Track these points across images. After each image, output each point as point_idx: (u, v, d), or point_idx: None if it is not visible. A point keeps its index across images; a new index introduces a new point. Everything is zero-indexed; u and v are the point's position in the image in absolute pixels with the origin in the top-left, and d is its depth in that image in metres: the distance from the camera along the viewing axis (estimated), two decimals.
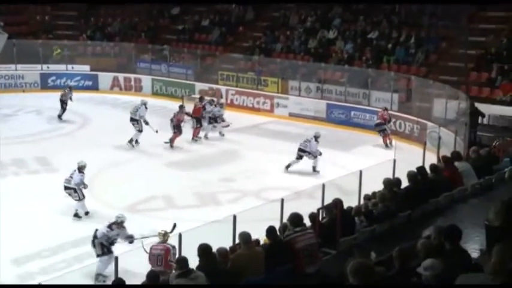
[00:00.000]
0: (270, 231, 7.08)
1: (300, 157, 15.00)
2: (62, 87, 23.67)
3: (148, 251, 8.95)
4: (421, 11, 22.00)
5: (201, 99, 18.68)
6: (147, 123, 17.12)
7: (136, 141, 17.14)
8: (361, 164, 11.73)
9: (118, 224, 9.94)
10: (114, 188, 13.56)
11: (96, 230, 9.92)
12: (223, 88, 22.02)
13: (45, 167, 15.19)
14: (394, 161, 11.06)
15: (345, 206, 8.42)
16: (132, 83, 23.74)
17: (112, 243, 9.83)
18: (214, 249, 6.72)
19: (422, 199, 8.78)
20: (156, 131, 16.82)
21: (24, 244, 10.71)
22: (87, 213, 12.29)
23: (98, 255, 9.74)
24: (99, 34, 26.45)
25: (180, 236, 7.91)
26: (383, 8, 22.90)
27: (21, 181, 14.27)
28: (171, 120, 17.02)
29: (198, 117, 17.77)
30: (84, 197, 12.32)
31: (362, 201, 9.64)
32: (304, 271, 6.84)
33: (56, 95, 22.53)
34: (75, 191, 12.35)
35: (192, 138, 17.49)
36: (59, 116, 19.72)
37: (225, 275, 6.52)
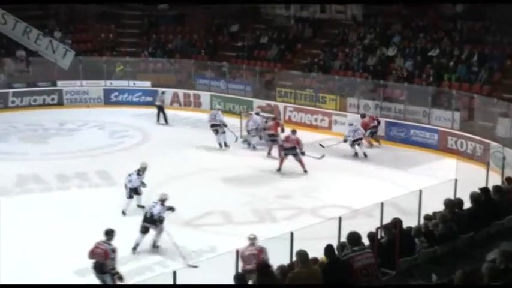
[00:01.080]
0: (328, 249, 7.02)
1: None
2: (124, 103, 24.41)
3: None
4: (485, 27, 21.51)
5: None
6: (225, 125, 18.46)
7: (225, 144, 18.29)
8: (421, 184, 11.52)
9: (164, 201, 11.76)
10: (172, 202, 13.72)
11: (151, 210, 11.54)
12: (281, 105, 22.08)
13: (106, 180, 15.57)
14: (456, 181, 10.80)
15: (404, 226, 8.28)
16: (192, 99, 24.09)
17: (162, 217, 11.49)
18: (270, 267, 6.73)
19: (485, 221, 8.52)
20: (236, 139, 17.93)
21: (85, 256, 10.93)
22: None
23: (155, 228, 11.46)
24: (160, 51, 27.02)
25: (237, 252, 7.93)
26: (444, 25, 22.53)
27: (84, 194, 14.66)
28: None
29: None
30: (131, 197, 13.33)
31: (422, 222, 9.44)
32: None
33: (118, 111, 23.28)
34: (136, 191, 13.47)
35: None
36: (165, 120, 21.28)
37: None
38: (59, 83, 24.39)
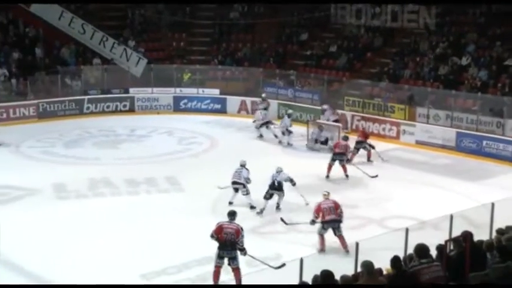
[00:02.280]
0: (395, 261, 6.88)
1: (236, 190, 14.23)
2: (193, 110, 24.85)
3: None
4: None
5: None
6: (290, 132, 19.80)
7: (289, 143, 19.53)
8: (493, 196, 11.13)
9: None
10: (238, 209, 13.79)
11: (277, 179, 13.70)
12: (348, 114, 21.89)
13: (174, 186, 15.83)
14: None
15: (475, 239, 8.00)
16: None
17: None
18: (336, 277, 6.64)
19: None
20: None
21: (153, 260, 11.17)
22: (252, 207, 13.94)
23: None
24: (229, 59, 27.36)
25: (301, 261, 7.87)
26: None
27: (152, 199, 14.96)
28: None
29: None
30: (249, 192, 14.09)
31: (494, 236, 9.09)
32: None
33: (187, 117, 23.70)
34: (244, 186, 14.12)
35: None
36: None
37: None
38: (131, 90, 25.09)
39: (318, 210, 11.68)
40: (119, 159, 18.34)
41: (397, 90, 22.27)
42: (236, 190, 14.29)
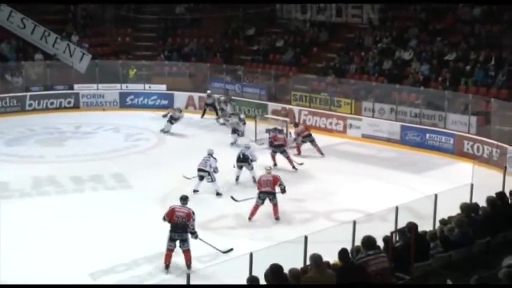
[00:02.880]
0: (343, 253, 6.99)
1: (201, 178, 14.72)
2: (140, 106, 24.56)
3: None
4: (502, 31, 21.34)
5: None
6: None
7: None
8: (436, 188, 11.43)
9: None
10: (203, 196, 13.83)
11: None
12: (296, 108, 22.06)
13: (121, 183, 15.64)
14: (472, 185, 10.71)
15: (419, 230, 8.21)
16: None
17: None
18: (284, 270, 6.70)
19: (502, 226, 8.43)
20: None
21: (101, 258, 11.01)
22: (218, 194, 14.59)
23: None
24: (175, 54, 27.14)
25: (251, 255, 7.90)
26: (461, 29, 22.39)
27: (99, 197, 14.72)
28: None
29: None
30: (215, 179, 14.64)
31: (437, 226, 9.37)
32: None
33: (133, 114, 23.41)
34: (209, 174, 14.59)
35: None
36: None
37: None
38: (76, 86, 24.60)
39: (259, 182, 13.16)
40: (64, 156, 17.98)
41: (343, 85, 22.58)
42: (201, 178, 14.67)
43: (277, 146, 17.11)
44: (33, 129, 21.13)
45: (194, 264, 10.60)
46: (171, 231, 10.70)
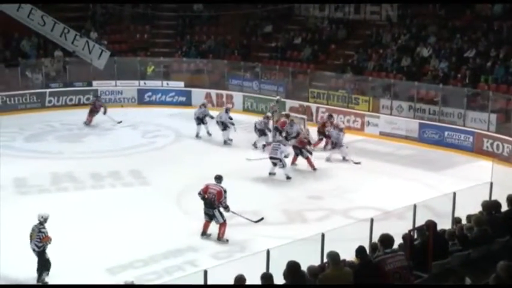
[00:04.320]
0: (360, 251, 6.95)
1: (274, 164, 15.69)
2: (157, 102, 24.65)
3: None
4: None
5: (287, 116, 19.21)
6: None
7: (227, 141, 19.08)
8: (455, 186, 11.33)
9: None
10: (202, 202, 13.78)
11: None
12: (313, 106, 21.99)
13: (139, 179, 15.71)
14: (491, 184, 10.59)
15: (438, 228, 8.14)
16: (224, 99, 24.17)
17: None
18: (302, 268, 6.69)
19: None
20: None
21: (119, 254, 11.08)
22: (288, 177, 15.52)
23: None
24: (193, 51, 27.19)
25: (268, 252, 7.91)
26: (481, 26, 22.16)
27: (117, 193, 14.81)
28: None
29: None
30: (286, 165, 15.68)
31: (455, 225, 9.29)
32: None
33: (151, 110, 23.49)
34: (281, 160, 15.49)
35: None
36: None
37: None
38: (95, 83, 24.74)
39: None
40: (83, 153, 18.10)
41: (361, 82, 22.47)
42: (274, 164, 15.65)
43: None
44: (53, 125, 21.31)
45: (209, 261, 10.59)
46: (204, 206, 11.84)
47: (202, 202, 12.01)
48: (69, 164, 16.75)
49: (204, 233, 12.00)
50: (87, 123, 21.20)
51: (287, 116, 19.11)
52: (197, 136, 19.74)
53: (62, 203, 13.92)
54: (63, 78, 24.70)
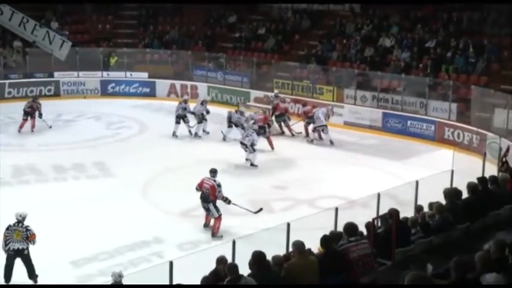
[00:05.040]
0: (325, 240, 7.02)
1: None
2: (121, 94, 24.38)
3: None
4: (483, 19, 21.49)
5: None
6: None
7: (196, 134, 18.81)
8: (417, 175, 11.52)
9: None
10: (168, 193, 13.74)
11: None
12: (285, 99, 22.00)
13: (103, 171, 15.56)
14: (452, 172, 10.81)
15: (401, 216, 8.28)
16: (189, 90, 24.03)
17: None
18: (267, 257, 6.72)
19: (482, 211, 8.53)
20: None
21: (83, 247, 10.97)
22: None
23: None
24: (157, 42, 26.95)
25: (233, 242, 7.93)
26: (441, 16, 22.50)
27: (80, 185, 14.64)
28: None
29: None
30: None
31: (418, 212, 9.45)
32: (358, 281, 6.75)
33: (115, 102, 23.23)
34: (247, 146, 15.89)
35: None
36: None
37: (278, 283, 6.50)
38: (56, 74, 24.31)
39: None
40: (45, 145, 17.82)
41: (325, 72, 22.61)
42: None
43: (278, 116, 18.67)
44: (13, 117, 20.84)
45: (175, 252, 10.57)
46: (200, 200, 11.85)
47: (168, 194, 11.99)
48: (31, 156, 16.49)
49: (206, 225, 12.03)
50: (20, 129, 19.15)
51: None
52: (174, 135, 18.76)
53: (24, 196, 13.69)
54: (23, 69, 24.21)
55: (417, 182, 10.24)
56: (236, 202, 12.16)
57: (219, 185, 11.78)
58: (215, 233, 11.69)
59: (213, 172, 12.02)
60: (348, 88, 21.31)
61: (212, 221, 11.95)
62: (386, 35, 22.71)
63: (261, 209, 12.45)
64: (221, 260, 7.52)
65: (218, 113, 20.34)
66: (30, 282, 9.86)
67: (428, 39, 21.72)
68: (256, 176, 15.46)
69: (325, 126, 18.16)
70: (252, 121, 17.64)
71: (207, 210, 11.84)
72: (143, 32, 27.84)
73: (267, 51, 25.06)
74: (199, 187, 11.87)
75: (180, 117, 18.84)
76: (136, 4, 28.32)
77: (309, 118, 18.76)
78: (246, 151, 16.10)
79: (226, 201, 11.90)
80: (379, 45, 22.62)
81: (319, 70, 22.81)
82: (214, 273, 7.51)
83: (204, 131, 19.01)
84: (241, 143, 16.14)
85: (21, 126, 19.12)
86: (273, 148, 17.59)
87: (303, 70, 23.20)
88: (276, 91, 21.10)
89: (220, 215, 11.80)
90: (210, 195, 11.69)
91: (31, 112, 19.16)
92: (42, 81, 24.03)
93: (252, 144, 16.02)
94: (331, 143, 18.06)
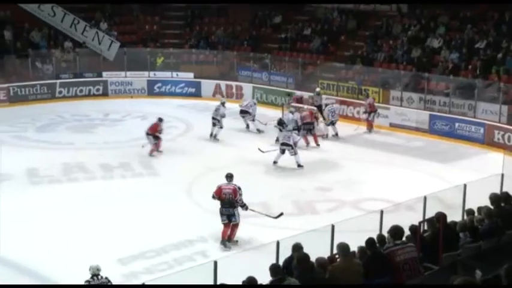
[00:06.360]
0: (370, 243, 6.97)
1: (282, 151, 15.97)
2: (167, 93, 24.69)
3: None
4: None
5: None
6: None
7: (215, 136, 18.52)
8: (465, 178, 11.29)
9: None
10: (211, 194, 13.82)
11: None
12: (323, 97, 21.90)
13: (149, 170, 15.77)
14: (502, 175, 10.56)
15: (448, 220, 8.14)
16: (234, 90, 24.18)
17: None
18: (311, 259, 6.71)
19: None
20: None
21: (129, 245, 11.14)
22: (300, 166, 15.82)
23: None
24: (203, 42, 27.18)
25: (277, 243, 7.93)
26: (492, 16, 21.99)
27: (127, 184, 14.87)
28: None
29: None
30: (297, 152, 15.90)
31: (466, 217, 9.27)
32: (404, 285, 6.67)
33: (161, 101, 23.53)
34: (292, 147, 15.80)
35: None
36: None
37: (322, 285, 6.48)
38: (104, 74, 24.81)
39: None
40: (93, 143, 18.18)
41: (371, 73, 22.39)
42: (283, 151, 15.80)
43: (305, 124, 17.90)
44: (63, 116, 21.41)
45: (220, 252, 10.65)
46: (221, 206, 11.37)
47: (210, 193, 12.00)
48: (80, 155, 16.83)
49: (229, 239, 11.33)
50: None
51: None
52: (211, 136, 18.66)
53: (73, 193, 14.02)
54: (74, 69, 24.79)
55: (465, 186, 10.05)
56: (253, 208, 11.69)
57: (239, 188, 11.44)
58: (232, 238, 11.32)
59: (230, 177, 11.63)
60: (394, 89, 21.05)
61: (228, 230, 11.39)
62: (434, 35, 22.33)
63: (281, 214, 11.91)
64: (296, 247, 7.45)
65: (263, 113, 20.37)
66: None
67: (478, 40, 21.26)
68: (298, 177, 15.41)
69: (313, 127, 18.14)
70: (293, 124, 17.69)
71: (232, 216, 11.28)
72: (189, 32, 28.12)
73: (313, 51, 24.97)
74: (217, 194, 11.37)
75: (215, 119, 18.71)
76: (182, 5, 28.61)
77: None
78: (289, 152, 15.85)
79: (244, 207, 11.48)
80: (426, 45, 22.26)
81: (365, 71, 22.60)
82: (289, 261, 7.47)
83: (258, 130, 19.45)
84: (285, 144, 15.92)
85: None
86: (318, 144, 17.84)
87: (349, 71, 23.04)
88: (317, 89, 21.01)
89: (239, 223, 11.39)
90: (233, 199, 11.30)
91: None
92: (91, 81, 24.54)
93: (295, 144, 15.99)
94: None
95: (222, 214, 11.34)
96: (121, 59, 24.95)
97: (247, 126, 19.78)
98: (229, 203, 11.32)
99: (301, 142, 17.47)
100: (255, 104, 20.06)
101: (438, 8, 23.53)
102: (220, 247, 11.13)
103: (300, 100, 20.99)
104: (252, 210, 11.65)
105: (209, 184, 12.21)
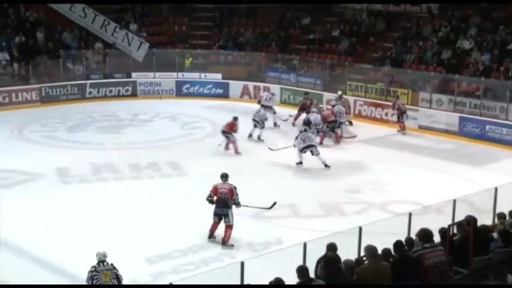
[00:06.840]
0: (398, 245, 6.91)
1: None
2: (195, 94, 24.82)
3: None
4: None
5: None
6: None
7: (259, 137, 18.60)
8: (496, 181, 11.14)
9: None
10: (239, 195, 13.82)
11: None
12: (351, 98, 21.83)
13: (177, 171, 15.86)
14: None
15: (478, 224, 8.02)
16: (262, 91, 24.16)
17: None
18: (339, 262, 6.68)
19: None
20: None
21: (157, 244, 11.22)
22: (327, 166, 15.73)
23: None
24: (231, 44, 27.26)
25: (304, 245, 7.91)
26: None
27: (155, 184, 14.98)
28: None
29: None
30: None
31: (497, 220, 9.13)
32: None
33: (189, 102, 23.66)
34: (316, 146, 15.82)
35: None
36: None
37: (349, 285, 6.45)
38: (134, 74, 25.05)
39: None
40: (122, 144, 18.36)
41: (400, 75, 22.20)
42: (305, 152, 15.77)
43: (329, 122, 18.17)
44: (93, 116, 21.67)
45: (247, 253, 10.65)
46: (215, 206, 11.42)
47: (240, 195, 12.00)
48: (109, 155, 17.01)
49: (212, 235, 11.50)
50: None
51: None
52: (250, 136, 18.80)
53: (102, 193, 14.17)
54: (103, 69, 25.07)
55: (496, 189, 9.90)
56: (245, 203, 11.67)
57: (235, 188, 11.46)
58: (226, 241, 11.27)
59: (225, 177, 11.64)
60: (423, 91, 20.83)
61: (218, 229, 11.47)
62: (465, 36, 22.04)
63: (274, 203, 12.30)
64: (330, 247, 7.47)
65: (291, 114, 20.33)
66: None
67: (510, 41, 20.92)
68: (326, 178, 15.34)
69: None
70: (321, 125, 17.70)
71: (225, 216, 11.32)
72: (218, 33, 28.23)
73: (341, 53, 24.85)
74: (214, 194, 11.42)
75: (255, 121, 18.81)
76: (211, 6, 28.74)
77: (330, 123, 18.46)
78: (312, 152, 15.79)
79: (238, 205, 11.49)
80: (457, 47, 21.98)
81: (394, 73, 22.41)
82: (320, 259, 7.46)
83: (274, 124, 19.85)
84: (310, 146, 15.80)
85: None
86: (339, 142, 18.13)
87: (377, 72, 22.88)
88: (339, 92, 20.82)
89: (233, 224, 11.37)
90: (229, 199, 11.34)
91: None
92: (121, 81, 24.80)
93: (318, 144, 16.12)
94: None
95: (214, 214, 11.40)
96: (150, 60, 25.16)
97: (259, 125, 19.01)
98: (224, 202, 11.36)
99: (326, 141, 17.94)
100: (273, 95, 20.78)
101: (470, 9, 23.24)
102: (247, 248, 11.12)
103: (308, 106, 20.05)
104: (245, 205, 11.68)
105: (237, 185, 12.20)
